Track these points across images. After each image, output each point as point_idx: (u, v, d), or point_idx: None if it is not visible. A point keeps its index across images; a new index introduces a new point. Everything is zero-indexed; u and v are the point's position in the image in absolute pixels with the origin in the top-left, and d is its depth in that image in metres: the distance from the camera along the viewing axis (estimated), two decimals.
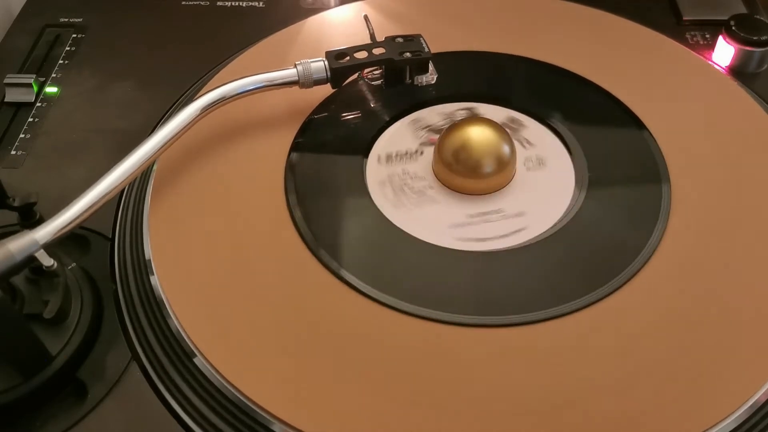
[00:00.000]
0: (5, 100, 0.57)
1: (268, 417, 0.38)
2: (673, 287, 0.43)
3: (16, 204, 0.44)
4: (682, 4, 0.65)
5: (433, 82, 0.54)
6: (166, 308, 0.42)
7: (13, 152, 0.54)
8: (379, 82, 0.54)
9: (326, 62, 0.51)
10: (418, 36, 0.53)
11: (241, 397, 0.39)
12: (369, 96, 0.54)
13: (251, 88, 0.49)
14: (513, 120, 0.53)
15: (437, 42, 0.54)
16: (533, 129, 0.52)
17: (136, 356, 0.42)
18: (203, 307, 0.42)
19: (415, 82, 0.53)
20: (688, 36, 0.62)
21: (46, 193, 0.47)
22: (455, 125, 0.49)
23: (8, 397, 0.39)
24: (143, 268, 0.44)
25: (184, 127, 0.46)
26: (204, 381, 0.40)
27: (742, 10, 0.64)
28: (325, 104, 0.53)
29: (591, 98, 0.54)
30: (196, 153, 0.49)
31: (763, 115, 0.52)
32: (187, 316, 0.41)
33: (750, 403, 0.38)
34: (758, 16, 0.60)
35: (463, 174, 0.48)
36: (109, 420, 0.40)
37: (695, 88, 0.55)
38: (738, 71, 0.58)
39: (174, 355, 0.41)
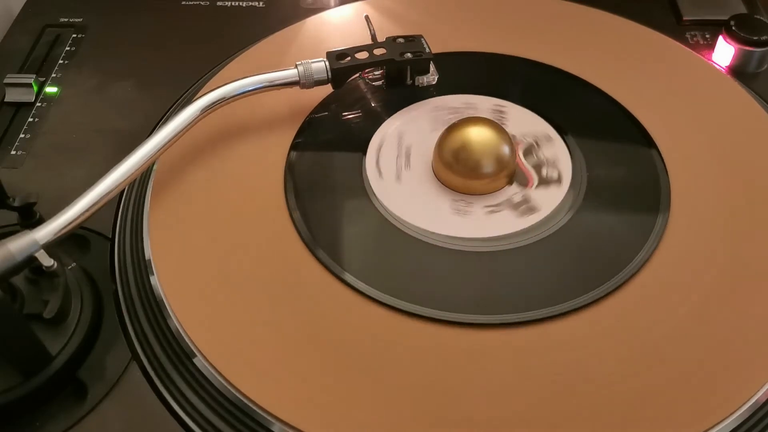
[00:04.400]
0: (5, 100, 0.57)
1: (267, 417, 0.38)
2: (673, 287, 0.43)
3: (16, 204, 0.44)
4: (682, 4, 0.65)
5: (434, 83, 0.54)
6: (166, 308, 0.42)
7: (13, 152, 0.54)
8: (380, 82, 0.54)
9: (327, 63, 0.51)
10: (419, 36, 0.53)
11: (241, 397, 0.39)
12: (369, 95, 0.54)
13: (252, 88, 0.49)
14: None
15: (438, 42, 0.54)
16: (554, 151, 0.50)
17: (136, 356, 0.42)
18: (203, 307, 0.42)
19: (416, 83, 0.53)
20: (688, 36, 0.62)
21: (46, 193, 0.47)
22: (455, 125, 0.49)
23: (8, 397, 0.39)
24: (143, 268, 0.44)
25: (185, 127, 0.46)
26: (204, 381, 0.40)
27: (742, 10, 0.64)
28: (325, 104, 0.53)
29: (589, 99, 0.54)
30: (196, 153, 0.49)
31: (764, 115, 0.52)
32: (187, 316, 0.41)
33: (750, 403, 0.38)
34: (758, 16, 0.60)
35: (458, 172, 0.48)
36: (109, 420, 0.40)
37: (695, 88, 0.55)
38: (738, 71, 0.58)
39: (174, 355, 0.41)
